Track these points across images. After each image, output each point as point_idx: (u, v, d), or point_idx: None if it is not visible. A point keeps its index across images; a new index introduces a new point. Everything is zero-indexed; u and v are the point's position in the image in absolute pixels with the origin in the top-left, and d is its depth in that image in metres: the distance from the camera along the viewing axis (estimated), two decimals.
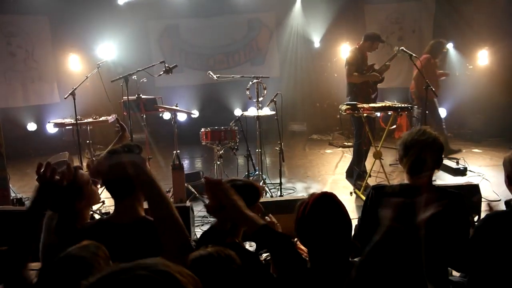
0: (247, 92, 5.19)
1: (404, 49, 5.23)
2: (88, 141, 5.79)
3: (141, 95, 5.08)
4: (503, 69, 7.92)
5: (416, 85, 6.55)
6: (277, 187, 5.36)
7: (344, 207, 1.89)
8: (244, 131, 5.22)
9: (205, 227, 4.51)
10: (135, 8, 8.57)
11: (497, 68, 8.02)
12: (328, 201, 1.84)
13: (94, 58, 7.85)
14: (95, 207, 4.44)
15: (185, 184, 4.95)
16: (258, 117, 5.26)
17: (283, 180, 5.49)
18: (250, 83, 5.18)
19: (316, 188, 5.72)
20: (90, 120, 5.76)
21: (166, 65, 4.94)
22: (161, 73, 4.98)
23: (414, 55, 5.18)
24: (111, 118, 5.72)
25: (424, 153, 2.20)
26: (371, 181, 5.55)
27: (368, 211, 2.31)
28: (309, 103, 9.42)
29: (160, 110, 5.68)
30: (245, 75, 5.49)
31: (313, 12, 8.51)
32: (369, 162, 6.11)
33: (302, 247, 2.53)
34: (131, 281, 0.76)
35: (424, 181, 2.23)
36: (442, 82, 7.54)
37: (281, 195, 5.17)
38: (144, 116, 5.20)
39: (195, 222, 4.38)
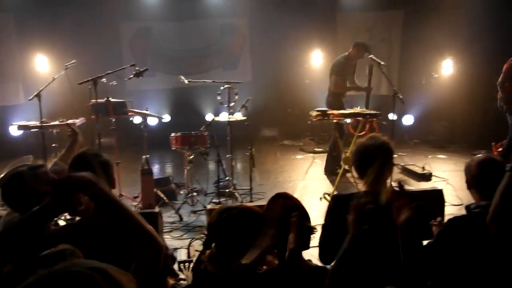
0: (218, 97, 5.19)
1: (373, 57, 5.36)
2: (54, 145, 5.63)
3: (110, 98, 4.98)
4: (466, 78, 8.21)
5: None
6: (248, 192, 5.37)
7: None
8: (215, 136, 5.21)
9: (175, 233, 4.47)
10: (106, 9, 8.44)
11: (461, 76, 8.30)
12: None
13: (63, 59, 7.66)
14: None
15: (154, 190, 4.89)
16: (229, 122, 5.25)
17: (253, 186, 5.49)
18: (221, 88, 5.18)
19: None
20: (56, 123, 5.60)
21: (137, 68, 4.87)
22: (131, 76, 4.91)
23: (382, 63, 5.31)
24: (79, 121, 5.59)
25: (376, 158, 2.26)
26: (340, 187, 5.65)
27: (330, 221, 2.31)
28: (281, 108, 9.50)
29: (130, 114, 5.59)
30: (216, 80, 5.47)
31: (286, 19, 8.59)
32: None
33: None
34: (66, 277, 0.78)
35: (381, 186, 2.30)
36: (407, 90, 7.76)
37: (251, 201, 5.17)
38: (113, 119, 5.10)
39: (164, 228, 4.33)
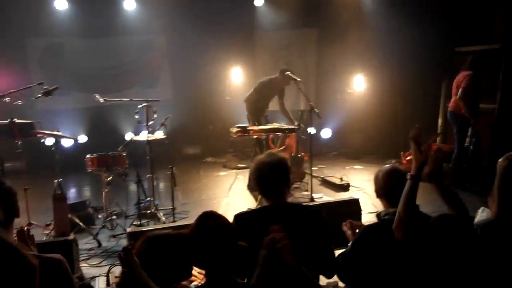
0: (136, 116, 5.02)
1: (290, 74, 5.55)
2: None
3: (14, 120, 4.60)
4: (376, 93, 8.80)
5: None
6: (171, 212, 5.24)
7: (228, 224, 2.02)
8: (134, 156, 5.03)
9: (93, 261, 4.21)
10: (10, 24, 7.89)
11: (372, 92, 8.88)
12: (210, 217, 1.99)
13: None
14: None
15: (69, 216, 4.59)
16: (148, 141, 5.11)
17: (176, 205, 5.37)
18: (139, 106, 5.03)
19: None
20: None
21: (45, 86, 4.58)
22: (39, 95, 4.60)
23: (298, 79, 5.51)
24: None
25: (273, 174, 2.37)
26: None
27: None
28: (203, 126, 9.46)
29: (39, 135, 5.21)
30: (134, 99, 5.30)
31: (205, 36, 8.62)
32: None
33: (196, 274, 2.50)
34: None
35: (280, 201, 2.40)
36: (324, 105, 8.14)
37: (174, 221, 5.05)
38: (20, 142, 4.71)
39: (80, 256, 4.06)
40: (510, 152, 2.45)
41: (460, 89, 6.04)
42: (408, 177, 2.11)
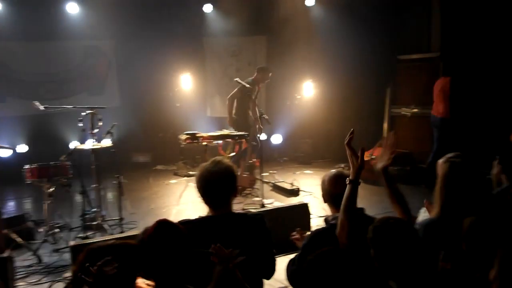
0: (80, 124, 4.81)
1: (238, 80, 5.55)
2: None
3: None
4: (325, 99, 9.01)
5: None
6: (118, 223, 5.06)
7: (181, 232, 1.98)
8: (78, 165, 4.82)
9: (32, 278, 3.97)
10: None
11: (320, 97, 9.07)
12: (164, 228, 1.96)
13: None
14: None
15: (4, 231, 4.29)
16: (93, 150, 4.91)
17: (124, 215, 5.20)
18: (83, 114, 4.82)
19: None
20: None
21: None
22: None
23: (247, 85, 5.52)
24: None
25: (220, 184, 2.29)
26: None
27: None
28: (153, 133, 9.25)
29: None
30: (77, 106, 5.09)
31: (154, 42, 8.46)
32: None
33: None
34: None
35: (225, 211, 2.35)
36: (275, 111, 8.21)
37: (122, 231, 4.87)
38: None
39: (18, 274, 3.82)
40: (454, 152, 2.58)
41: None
42: (347, 182, 2.15)
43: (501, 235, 1.87)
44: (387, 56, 8.07)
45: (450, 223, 2.32)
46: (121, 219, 5.04)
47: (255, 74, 6.60)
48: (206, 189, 2.32)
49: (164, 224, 1.98)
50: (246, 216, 2.48)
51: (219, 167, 2.32)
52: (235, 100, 6.57)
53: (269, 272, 2.44)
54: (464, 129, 6.64)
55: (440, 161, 2.59)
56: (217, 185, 2.29)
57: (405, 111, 7.76)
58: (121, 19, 8.26)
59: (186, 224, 2.31)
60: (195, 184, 2.37)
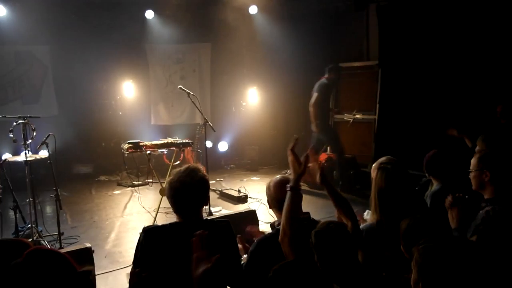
0: (11, 135, 4.50)
1: (182, 88, 5.47)
2: None
3: None
4: (270, 106, 9.12)
5: None
6: (57, 238, 4.78)
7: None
8: (9, 179, 4.51)
9: None
10: None
11: (265, 104, 9.17)
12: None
13: None
14: None
15: None
16: (26, 162, 4.62)
17: (64, 229, 4.93)
18: (14, 124, 4.52)
19: (104, 234, 5.33)
20: None
21: None
22: None
23: (191, 93, 5.45)
24: None
25: (191, 192, 2.22)
26: (161, 218, 5.52)
27: (141, 255, 2.18)
28: (94, 143, 8.88)
29: None
30: (8, 115, 4.74)
31: (93, 49, 8.13)
32: (155, 199, 6.12)
33: None
34: None
35: (194, 218, 2.28)
36: (220, 118, 8.17)
37: (61, 247, 4.61)
38: None
39: None
40: (385, 158, 2.67)
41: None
42: (288, 188, 2.15)
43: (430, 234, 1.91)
44: (330, 63, 8.32)
45: (387, 227, 2.40)
46: (60, 234, 4.76)
47: (327, 75, 6.96)
48: (178, 199, 2.24)
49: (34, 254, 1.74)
50: (214, 222, 2.41)
51: (193, 177, 2.23)
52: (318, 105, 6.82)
53: (238, 280, 2.38)
54: (401, 132, 6.95)
55: (373, 166, 2.68)
56: (190, 196, 2.22)
57: (348, 117, 8.02)
58: (56, 24, 7.88)
59: (153, 230, 2.22)
60: (166, 192, 2.27)
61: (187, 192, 2.21)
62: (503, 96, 5.38)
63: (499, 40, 5.88)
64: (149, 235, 2.19)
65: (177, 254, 2.08)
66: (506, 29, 5.79)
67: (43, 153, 4.99)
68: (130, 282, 2.00)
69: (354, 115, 7.93)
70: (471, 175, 2.61)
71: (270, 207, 2.55)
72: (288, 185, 2.16)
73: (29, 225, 4.73)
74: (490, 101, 5.42)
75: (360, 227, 2.55)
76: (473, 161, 2.62)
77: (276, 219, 2.56)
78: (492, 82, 5.94)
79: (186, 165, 2.32)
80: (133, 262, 2.22)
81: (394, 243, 2.18)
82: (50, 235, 4.99)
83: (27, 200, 4.76)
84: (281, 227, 2.14)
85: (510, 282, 1.97)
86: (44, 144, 4.59)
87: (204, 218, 2.42)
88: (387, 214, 2.45)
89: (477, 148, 3.47)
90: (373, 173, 2.60)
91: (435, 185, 3.40)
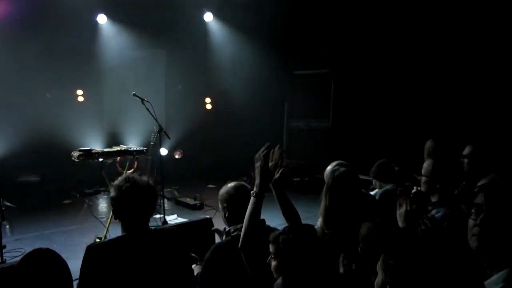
0: None
1: (136, 94, 5.37)
2: None
3: None
4: (225, 114, 9.18)
5: None
6: None
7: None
8: None
9: None
10: None
11: (220, 112, 9.19)
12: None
13: None
14: None
15: None
16: None
17: (6, 242, 4.67)
18: None
19: (51, 246, 5.08)
20: None
21: None
22: None
23: (145, 99, 5.37)
24: None
25: (140, 200, 2.17)
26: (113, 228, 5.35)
27: (87, 276, 2.07)
28: (43, 151, 8.40)
29: None
30: None
31: (42, 55, 7.77)
32: (108, 208, 5.93)
33: None
34: None
35: (142, 229, 2.23)
36: (176, 126, 8.08)
37: (3, 261, 4.36)
38: None
39: None
40: (336, 163, 2.74)
41: None
42: (253, 194, 2.16)
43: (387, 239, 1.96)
44: (284, 71, 8.46)
45: (336, 231, 2.43)
46: (1, 247, 4.50)
47: None
48: (125, 210, 2.15)
49: (35, 254, 1.77)
50: (162, 232, 2.35)
51: (140, 188, 2.15)
52: None
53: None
54: (353, 138, 7.17)
55: (327, 168, 2.75)
56: (138, 207, 2.15)
57: (302, 124, 8.17)
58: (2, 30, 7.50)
59: (97, 247, 2.10)
60: (112, 204, 2.18)
61: (134, 202, 2.14)
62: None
63: (449, 48, 6.17)
64: (94, 254, 2.08)
65: (125, 271, 2.03)
66: (455, 37, 6.09)
67: None
68: None
69: (309, 122, 8.08)
70: (423, 180, 2.72)
71: (225, 216, 2.52)
72: (253, 191, 2.16)
73: None
74: (440, 108, 5.70)
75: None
76: (426, 166, 2.74)
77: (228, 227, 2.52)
78: (441, 90, 6.24)
79: (128, 175, 2.23)
80: (78, 284, 2.08)
81: (346, 247, 2.20)
82: None
83: None
84: (242, 233, 2.13)
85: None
86: None
87: (153, 227, 2.36)
88: (337, 221, 2.47)
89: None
90: (325, 177, 2.66)
91: (387, 186, 3.54)
